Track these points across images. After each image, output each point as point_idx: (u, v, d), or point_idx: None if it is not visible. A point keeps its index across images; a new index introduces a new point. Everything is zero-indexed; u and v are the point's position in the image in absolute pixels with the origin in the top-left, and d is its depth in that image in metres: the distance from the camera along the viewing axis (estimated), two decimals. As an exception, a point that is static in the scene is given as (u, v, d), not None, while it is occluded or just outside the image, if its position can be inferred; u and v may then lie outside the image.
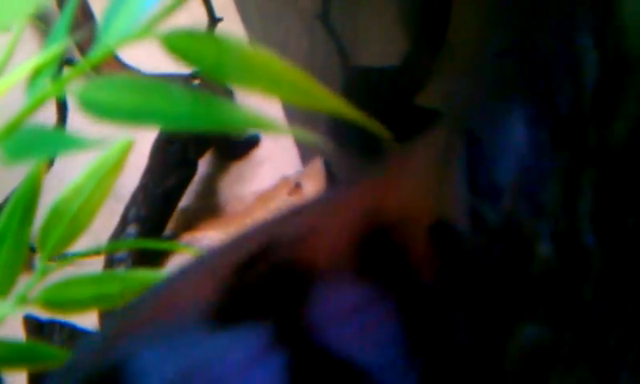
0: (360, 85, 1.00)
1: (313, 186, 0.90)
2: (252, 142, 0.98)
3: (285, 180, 0.92)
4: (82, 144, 0.32)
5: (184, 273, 0.38)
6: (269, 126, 0.34)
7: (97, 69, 1.04)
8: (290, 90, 0.34)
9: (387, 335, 0.36)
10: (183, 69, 1.07)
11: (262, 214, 0.89)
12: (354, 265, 0.37)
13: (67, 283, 0.46)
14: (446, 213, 0.38)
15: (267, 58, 0.34)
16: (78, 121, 0.78)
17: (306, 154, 1.00)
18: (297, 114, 0.98)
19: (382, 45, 1.02)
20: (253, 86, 0.34)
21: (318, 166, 0.92)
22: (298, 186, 0.90)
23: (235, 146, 0.97)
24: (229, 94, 0.93)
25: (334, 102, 0.35)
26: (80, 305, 0.46)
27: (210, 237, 0.89)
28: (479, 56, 0.83)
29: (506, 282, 0.37)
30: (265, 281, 0.36)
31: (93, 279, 0.47)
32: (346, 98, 1.03)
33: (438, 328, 0.36)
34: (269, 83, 0.34)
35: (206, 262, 0.38)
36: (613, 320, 0.37)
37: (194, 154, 0.89)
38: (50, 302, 0.45)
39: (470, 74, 0.83)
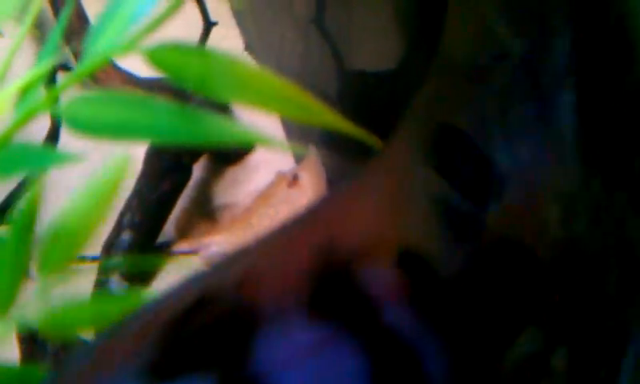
0: (356, 89, 1.00)
1: (310, 177, 0.90)
2: (247, 147, 0.98)
3: (281, 175, 0.92)
4: (68, 159, 0.31)
5: (122, 326, 0.37)
6: (260, 140, 0.34)
7: (92, 75, 1.03)
8: (283, 104, 0.34)
9: (346, 376, 0.34)
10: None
11: (264, 211, 0.88)
12: (305, 305, 0.35)
13: (64, 307, 0.45)
14: (415, 238, 0.37)
15: (258, 71, 0.34)
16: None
17: (300, 156, 1.00)
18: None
19: (376, 49, 1.01)
20: (243, 100, 0.34)
21: (313, 157, 0.92)
22: (295, 179, 0.90)
23: (230, 151, 0.97)
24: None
25: (328, 116, 0.34)
26: (77, 325, 0.46)
27: (218, 242, 0.88)
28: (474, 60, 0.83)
29: (496, 302, 0.36)
30: (206, 331, 0.34)
31: (89, 301, 0.47)
32: (342, 103, 1.02)
33: (404, 363, 0.35)
34: (260, 98, 0.34)
35: (144, 314, 0.37)
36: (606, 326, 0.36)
37: (188, 159, 0.89)
38: (47, 324, 0.45)
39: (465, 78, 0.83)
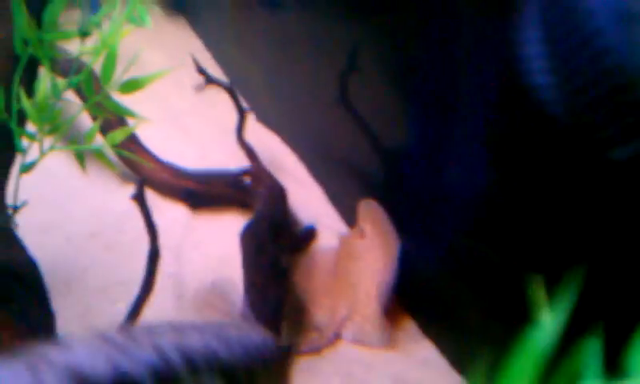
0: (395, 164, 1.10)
1: (373, 227, 1.01)
2: (311, 234, 1.09)
3: (344, 237, 1.03)
4: None
5: None
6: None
7: (142, 175, 1.08)
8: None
9: None
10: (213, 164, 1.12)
11: (349, 267, 1.00)
12: None
13: None
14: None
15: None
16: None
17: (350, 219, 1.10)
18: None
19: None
20: None
21: (372, 208, 1.01)
22: (362, 232, 1.01)
23: (298, 239, 1.07)
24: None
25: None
26: None
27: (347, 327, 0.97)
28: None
29: None
30: None
31: None
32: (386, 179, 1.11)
33: None
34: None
35: None
36: None
37: (284, 261, 0.98)
38: None
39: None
